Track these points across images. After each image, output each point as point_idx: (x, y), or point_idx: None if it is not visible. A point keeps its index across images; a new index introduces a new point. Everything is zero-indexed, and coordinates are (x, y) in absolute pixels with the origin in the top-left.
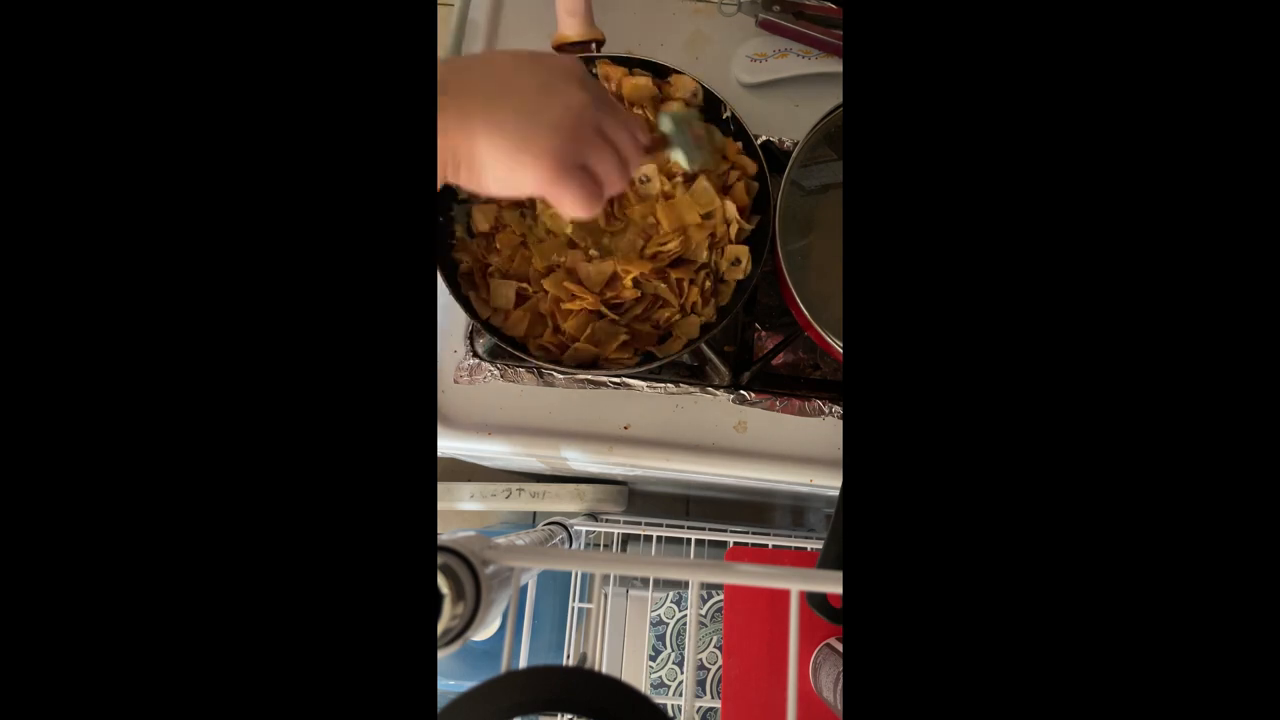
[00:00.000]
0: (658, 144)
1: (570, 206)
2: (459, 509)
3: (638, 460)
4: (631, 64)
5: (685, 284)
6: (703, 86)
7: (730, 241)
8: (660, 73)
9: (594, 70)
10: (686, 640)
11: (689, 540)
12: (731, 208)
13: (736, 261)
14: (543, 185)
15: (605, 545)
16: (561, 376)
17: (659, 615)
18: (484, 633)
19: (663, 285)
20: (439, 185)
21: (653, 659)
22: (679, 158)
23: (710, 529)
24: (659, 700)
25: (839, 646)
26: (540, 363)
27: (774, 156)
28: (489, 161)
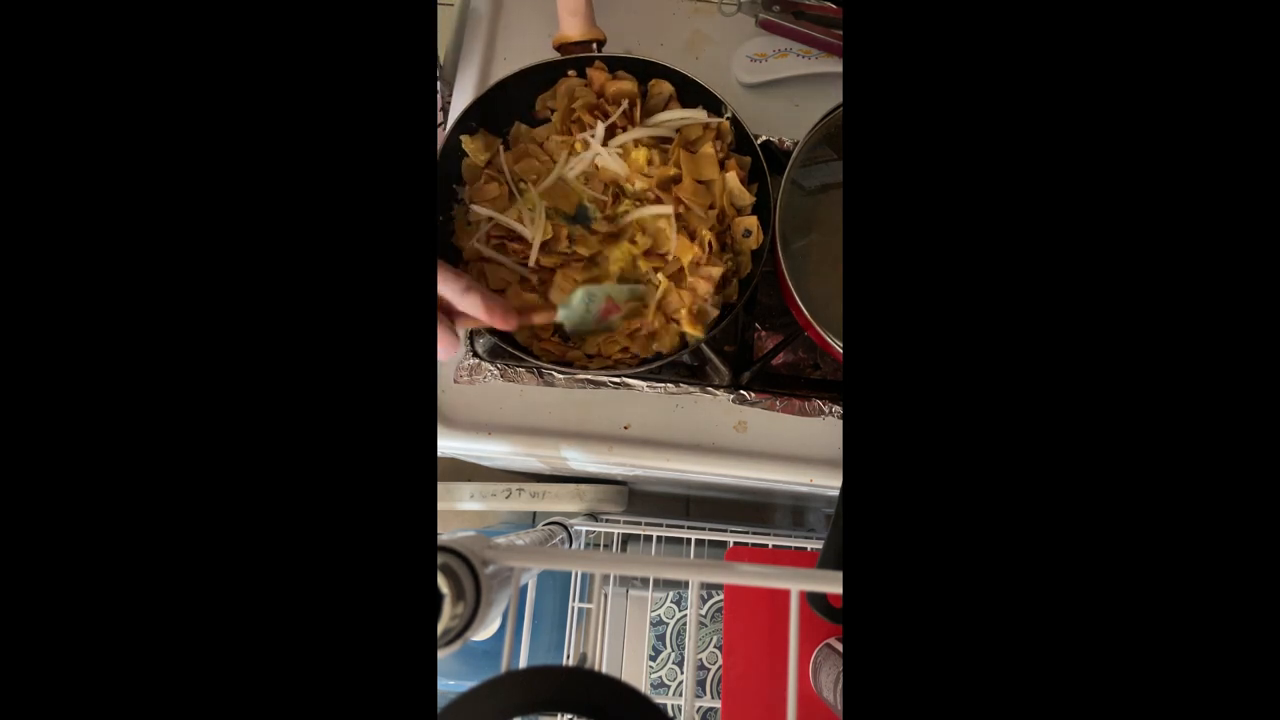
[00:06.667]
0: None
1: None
2: (459, 509)
3: (638, 460)
4: (627, 65)
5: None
6: (702, 86)
7: (735, 214)
8: (645, 76)
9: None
10: (686, 640)
11: (689, 540)
12: (733, 178)
13: (748, 233)
14: None
15: (605, 545)
16: (561, 376)
17: (659, 615)
18: (484, 633)
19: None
20: None
21: (653, 659)
22: (563, 316)
23: (710, 529)
24: (659, 700)
25: (839, 646)
26: (540, 363)
27: (774, 156)
28: None
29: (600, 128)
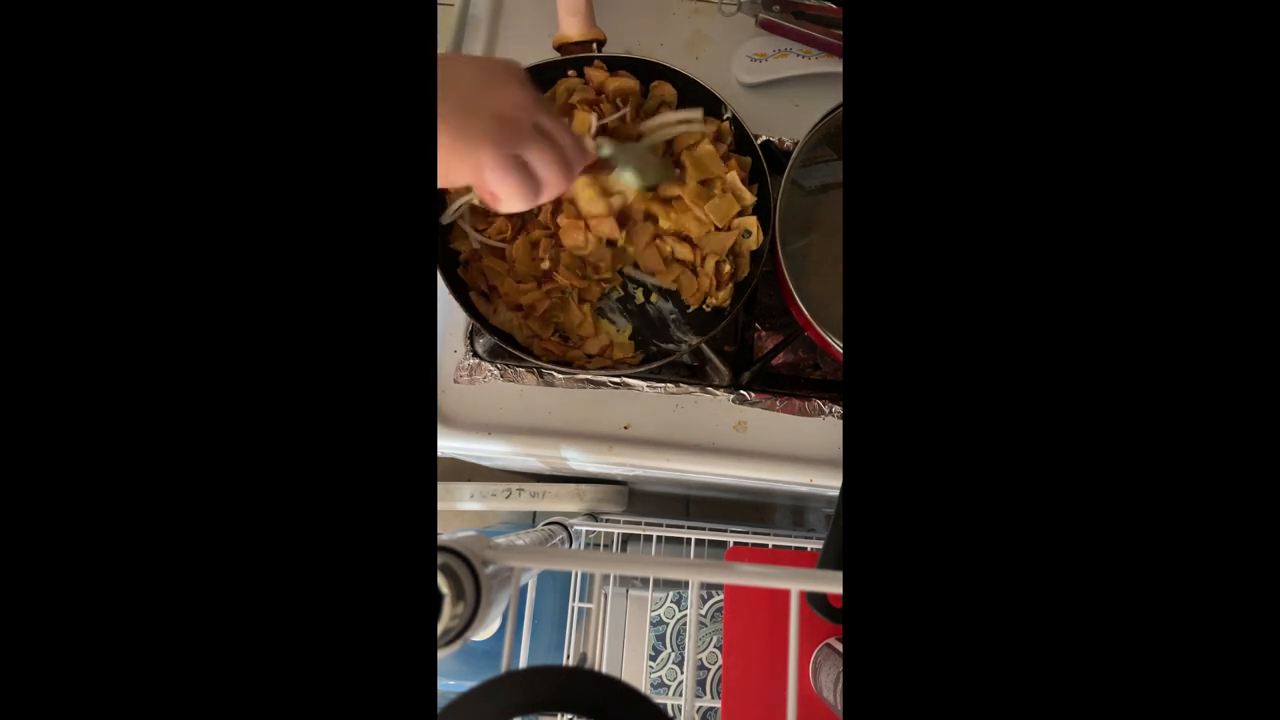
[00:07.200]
0: (601, 165)
1: (506, 198)
2: (459, 509)
3: (638, 460)
4: (627, 65)
5: (699, 264)
6: (702, 86)
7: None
8: (648, 78)
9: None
10: (686, 640)
11: (689, 540)
12: (734, 177)
13: (747, 234)
14: (479, 173)
15: (605, 545)
16: (561, 376)
17: (659, 615)
18: (484, 633)
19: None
20: None
21: (653, 659)
22: (628, 177)
23: (710, 529)
24: (659, 700)
25: (839, 646)
26: (540, 363)
27: (774, 156)
28: None
29: (593, 124)
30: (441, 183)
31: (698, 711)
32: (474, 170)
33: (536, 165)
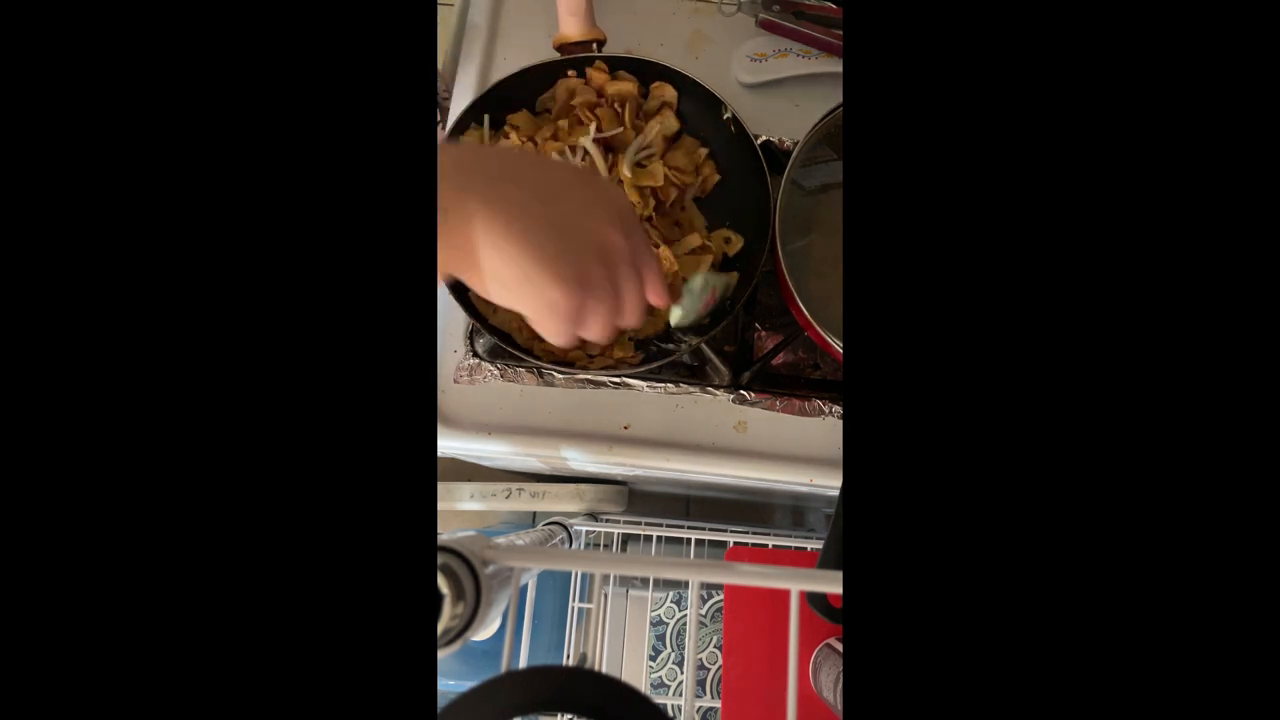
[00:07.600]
0: (675, 295)
1: (553, 334)
2: (459, 509)
3: (638, 460)
4: (627, 65)
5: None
6: (702, 86)
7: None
8: (648, 78)
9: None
10: (686, 640)
11: (689, 540)
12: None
13: (728, 239)
14: (544, 309)
15: (605, 545)
16: (561, 376)
17: (659, 615)
18: (484, 633)
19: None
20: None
21: (653, 659)
22: (678, 315)
23: (710, 529)
24: (659, 700)
25: (839, 646)
26: (541, 363)
27: (774, 156)
28: (499, 263)
29: (589, 136)
30: (498, 298)
31: (698, 711)
32: (545, 309)
33: (591, 317)
